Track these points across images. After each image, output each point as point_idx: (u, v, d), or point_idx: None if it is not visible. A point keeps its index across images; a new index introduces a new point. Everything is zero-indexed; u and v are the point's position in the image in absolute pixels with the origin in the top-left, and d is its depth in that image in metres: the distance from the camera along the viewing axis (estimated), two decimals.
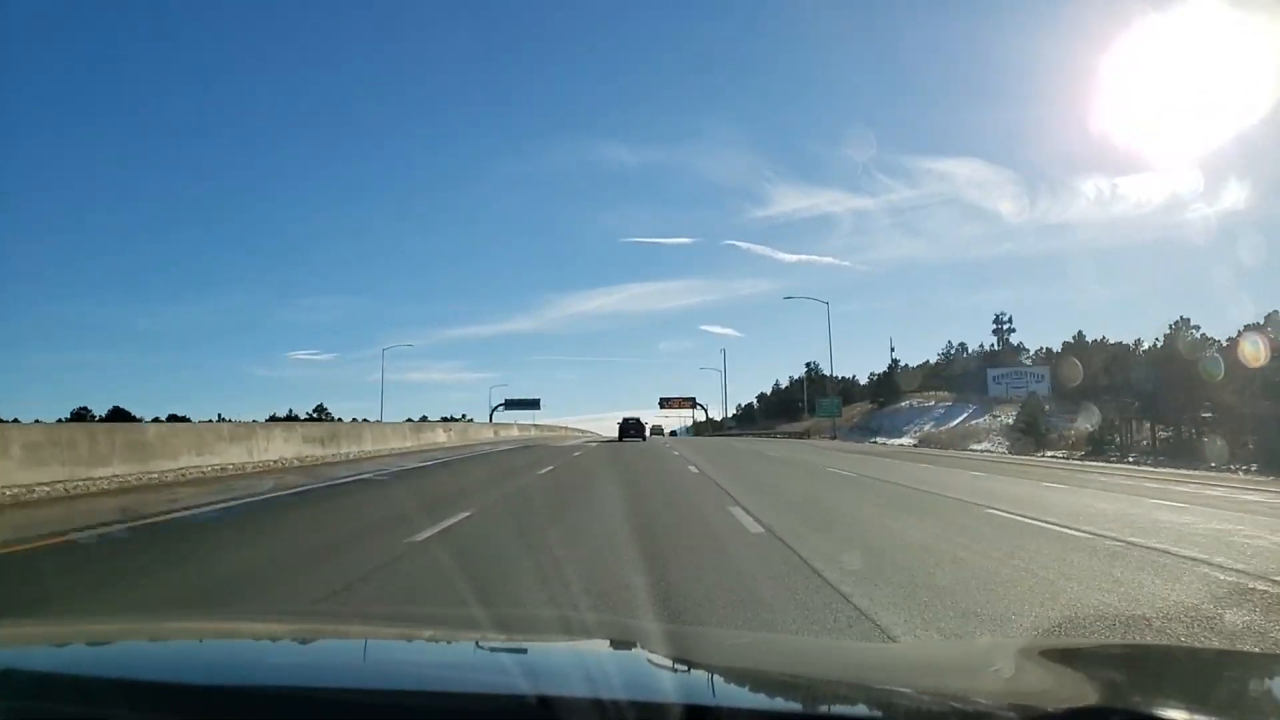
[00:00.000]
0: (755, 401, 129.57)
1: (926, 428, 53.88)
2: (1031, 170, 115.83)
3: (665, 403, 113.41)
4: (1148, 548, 7.46)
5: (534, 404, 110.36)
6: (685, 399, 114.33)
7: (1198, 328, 41.87)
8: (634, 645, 1.70)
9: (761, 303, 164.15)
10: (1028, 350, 70.11)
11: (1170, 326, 42.27)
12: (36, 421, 27.33)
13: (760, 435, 71.28)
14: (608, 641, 1.81)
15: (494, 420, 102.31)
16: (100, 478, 14.52)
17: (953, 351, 79.61)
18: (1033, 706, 1.12)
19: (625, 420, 47.80)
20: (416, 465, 22.52)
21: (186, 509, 11.32)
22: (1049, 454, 33.92)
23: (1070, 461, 28.85)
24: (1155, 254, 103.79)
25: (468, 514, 10.08)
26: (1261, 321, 36.59)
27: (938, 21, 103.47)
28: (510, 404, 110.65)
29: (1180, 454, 26.69)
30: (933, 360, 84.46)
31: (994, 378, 56.50)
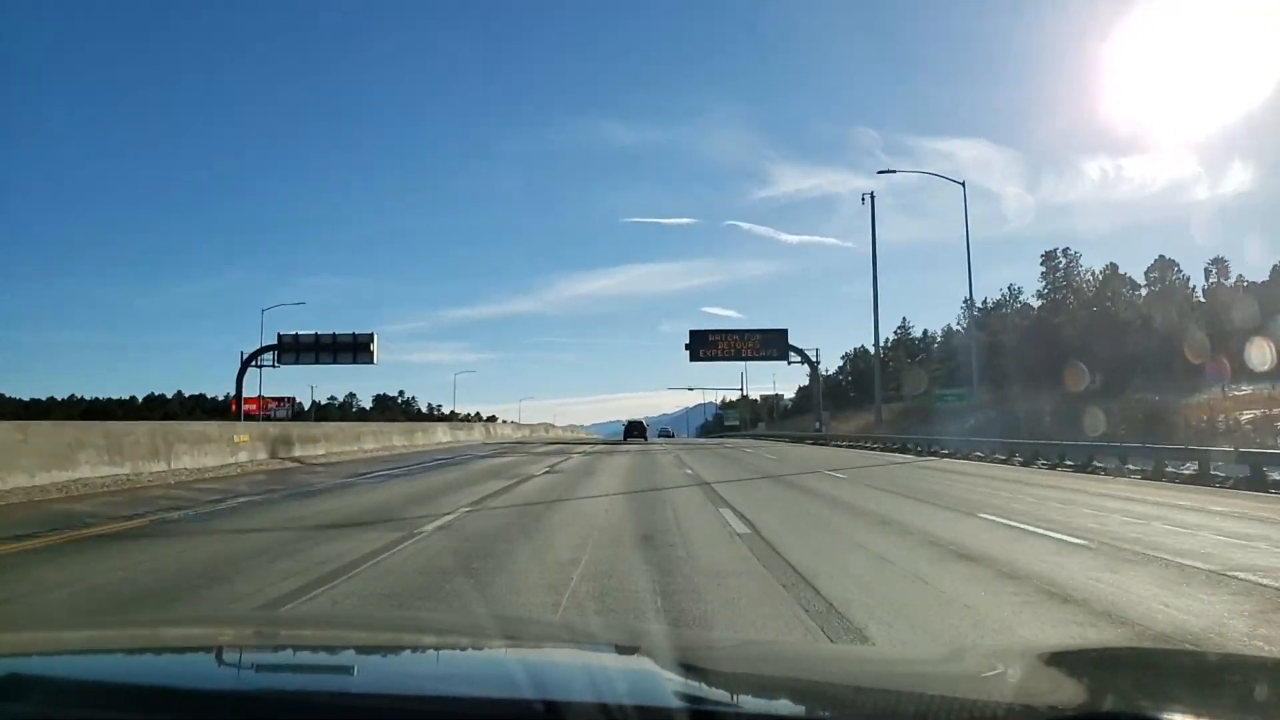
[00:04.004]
0: (835, 372, 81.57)
1: None
2: (1036, 151, 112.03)
3: (703, 346, 54.66)
4: None
5: (349, 347, 54.76)
6: (761, 335, 55.02)
7: None
8: (638, 650, 1.70)
9: (763, 284, 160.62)
10: None
11: None
12: None
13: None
14: (612, 646, 1.81)
15: (240, 398, 54.82)
16: None
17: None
18: (1038, 710, 1.13)
19: (630, 423, 56.03)
20: None
21: None
22: None
23: None
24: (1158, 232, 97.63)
25: None
26: None
27: (942, 1, 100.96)
28: (291, 347, 54.58)
29: None
30: None
31: None
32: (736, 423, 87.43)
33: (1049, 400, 38.82)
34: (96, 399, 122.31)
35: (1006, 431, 31.58)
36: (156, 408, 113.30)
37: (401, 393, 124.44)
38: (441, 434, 38.31)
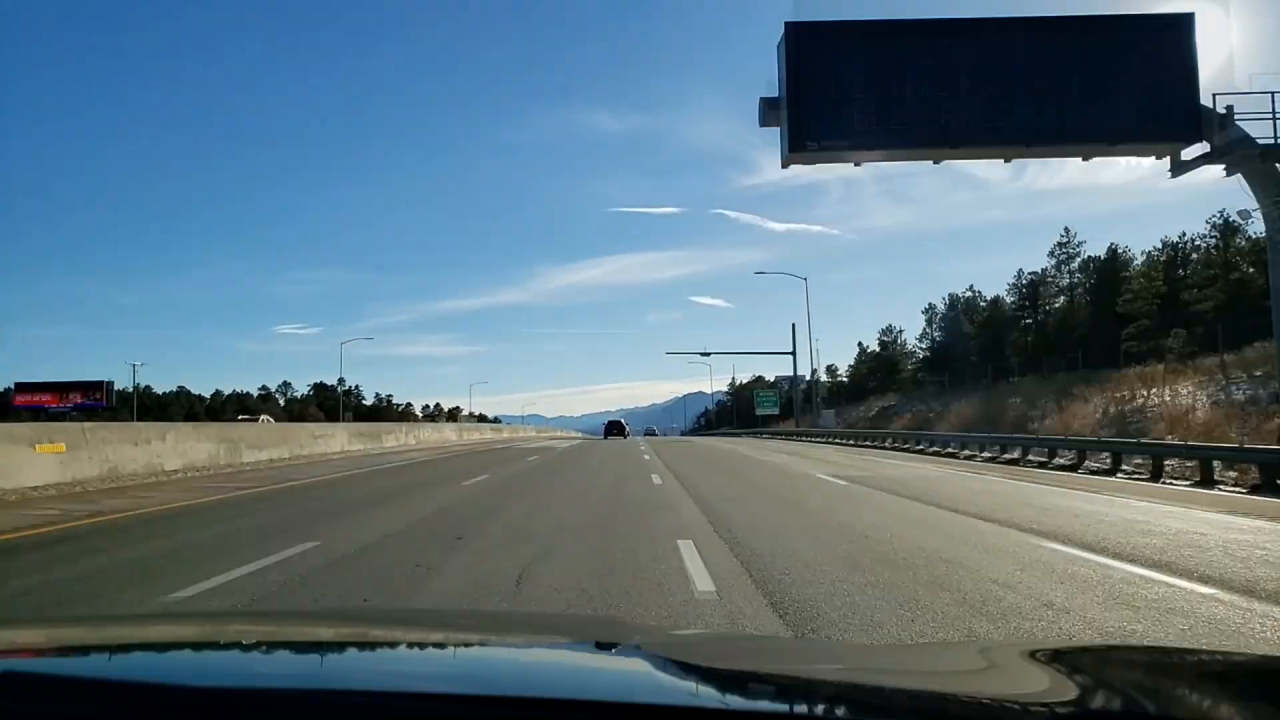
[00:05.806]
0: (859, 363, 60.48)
1: None
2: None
3: (843, 83, 18.57)
4: None
5: None
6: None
7: None
8: (626, 647, 1.67)
9: (751, 273, 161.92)
10: None
11: None
12: None
13: None
14: (599, 643, 1.79)
15: None
16: None
17: None
18: (1033, 707, 1.12)
19: (610, 422, 58.86)
20: None
21: None
22: None
23: None
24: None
25: None
26: None
27: None
28: None
29: None
30: None
31: None
32: (775, 410, 60.75)
33: None
34: None
35: None
36: None
37: (341, 380, 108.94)
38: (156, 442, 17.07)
